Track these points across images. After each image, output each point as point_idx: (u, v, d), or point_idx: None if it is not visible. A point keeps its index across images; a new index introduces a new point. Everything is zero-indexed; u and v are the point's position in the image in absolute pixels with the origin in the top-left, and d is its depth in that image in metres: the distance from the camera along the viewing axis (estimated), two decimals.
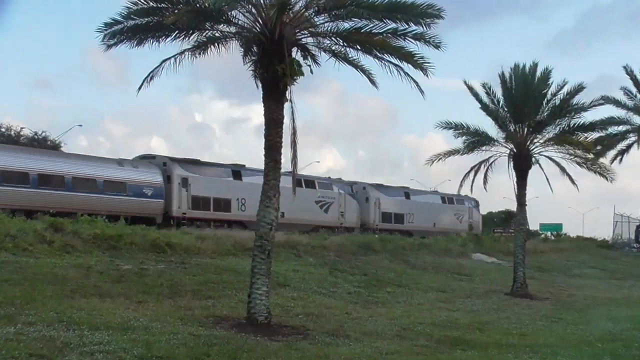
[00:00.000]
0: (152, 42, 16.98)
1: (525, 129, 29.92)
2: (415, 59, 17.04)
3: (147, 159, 43.55)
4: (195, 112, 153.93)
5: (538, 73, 29.53)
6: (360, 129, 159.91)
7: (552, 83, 29.66)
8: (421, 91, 17.70)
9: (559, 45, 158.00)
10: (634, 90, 50.70)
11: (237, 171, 46.38)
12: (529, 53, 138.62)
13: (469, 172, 31.90)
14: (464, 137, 30.51)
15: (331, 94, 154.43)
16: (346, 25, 16.93)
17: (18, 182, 34.96)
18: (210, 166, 45.47)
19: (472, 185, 32.02)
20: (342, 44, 17.47)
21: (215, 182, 44.49)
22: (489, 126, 30.61)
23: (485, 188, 32.62)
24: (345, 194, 54.05)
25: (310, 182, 50.81)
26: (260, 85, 16.86)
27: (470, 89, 30.40)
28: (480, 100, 30.37)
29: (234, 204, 44.76)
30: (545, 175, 31.22)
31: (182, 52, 17.05)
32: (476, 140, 30.40)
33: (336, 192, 53.10)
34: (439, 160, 31.40)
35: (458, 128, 30.26)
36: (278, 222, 16.94)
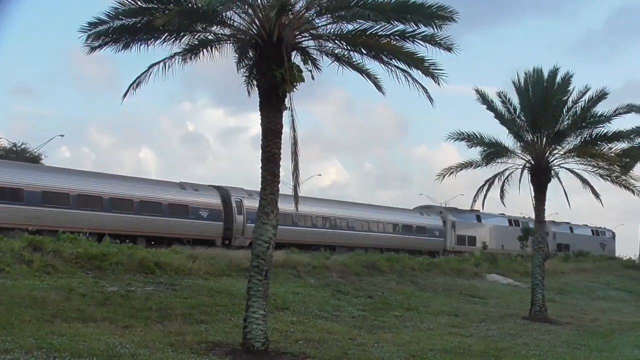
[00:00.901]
0: (140, 45, 17.00)
1: (544, 139, 29.85)
2: (425, 65, 16.95)
3: (428, 208, 68.89)
4: (188, 121, 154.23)
5: (558, 79, 29.47)
6: (367, 139, 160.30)
7: (573, 89, 29.62)
8: (430, 99, 17.71)
9: (585, 48, 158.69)
10: None
11: (478, 215, 68.38)
12: (553, 57, 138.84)
13: (483, 185, 31.94)
14: (479, 149, 30.53)
15: (336, 102, 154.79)
16: (350, 27, 16.90)
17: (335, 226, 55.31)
18: (463, 212, 67.24)
19: (484, 200, 32.08)
20: (345, 47, 17.45)
21: (467, 224, 68.62)
22: (505, 136, 30.62)
23: (503, 203, 32.70)
24: None
25: (515, 221, 74.19)
26: (253, 93, 16.91)
27: (483, 96, 30.38)
28: (493, 109, 30.32)
29: (478, 240, 67.78)
30: (564, 189, 31.27)
31: (172, 56, 17.10)
32: (491, 152, 30.36)
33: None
34: (450, 174, 31.42)
35: (471, 139, 30.25)
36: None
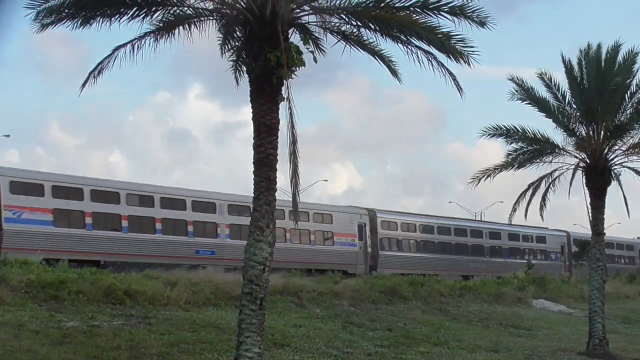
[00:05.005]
0: (103, 22, 16.96)
1: (602, 133, 29.62)
2: (451, 42, 16.94)
3: None
4: (173, 116, 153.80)
5: (620, 57, 29.22)
6: (394, 135, 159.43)
7: (638, 70, 29.37)
8: (459, 88, 17.77)
9: None
10: None
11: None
12: (622, 28, 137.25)
13: (526, 190, 31.64)
14: (518, 146, 30.35)
15: (357, 90, 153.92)
16: None
17: None
18: None
19: (526, 210, 31.71)
20: (354, 22, 17.44)
21: None
22: (554, 129, 30.38)
23: (541, 214, 32.22)
24: None
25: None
26: (243, 81, 16.92)
27: (519, 84, 29.95)
28: (534, 98, 29.92)
29: None
30: (623, 194, 31.12)
31: (142, 37, 17.06)
32: (535, 149, 30.18)
33: None
34: (486, 178, 31.08)
35: (510, 134, 30.00)
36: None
